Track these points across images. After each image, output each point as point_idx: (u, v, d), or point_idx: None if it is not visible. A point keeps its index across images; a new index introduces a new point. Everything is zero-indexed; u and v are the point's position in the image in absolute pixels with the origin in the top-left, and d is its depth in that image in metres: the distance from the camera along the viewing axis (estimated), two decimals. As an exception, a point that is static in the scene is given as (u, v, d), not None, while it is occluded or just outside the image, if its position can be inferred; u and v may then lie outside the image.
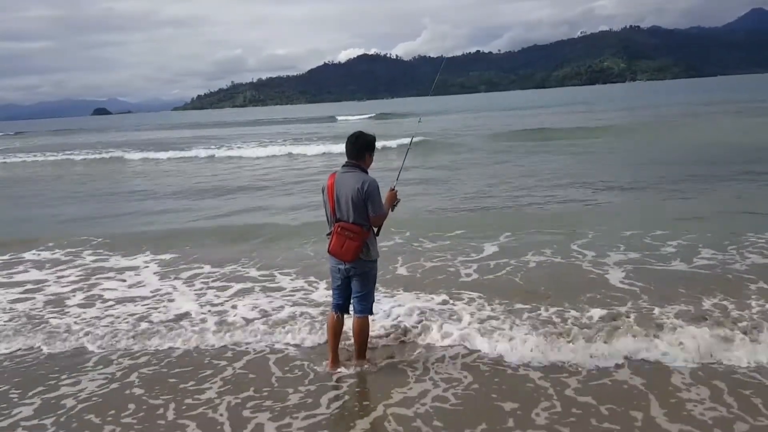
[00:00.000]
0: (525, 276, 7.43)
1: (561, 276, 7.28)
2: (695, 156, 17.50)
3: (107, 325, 6.45)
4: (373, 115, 71.87)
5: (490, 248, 8.68)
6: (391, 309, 6.53)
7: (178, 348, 5.80)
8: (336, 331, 5.08)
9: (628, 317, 5.78)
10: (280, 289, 7.46)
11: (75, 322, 6.60)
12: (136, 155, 31.62)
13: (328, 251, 4.84)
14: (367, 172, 4.84)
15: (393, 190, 5.02)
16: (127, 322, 6.50)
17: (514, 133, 29.88)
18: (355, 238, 4.68)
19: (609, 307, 6.08)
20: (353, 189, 4.66)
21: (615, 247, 8.23)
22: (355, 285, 4.92)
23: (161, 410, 4.60)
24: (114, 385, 5.07)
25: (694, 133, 24.52)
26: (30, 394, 4.99)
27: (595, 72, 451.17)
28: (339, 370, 5.07)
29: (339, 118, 68.17)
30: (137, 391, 4.93)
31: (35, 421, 4.55)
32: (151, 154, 31.13)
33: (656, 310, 5.91)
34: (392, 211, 5.02)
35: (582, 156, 19.60)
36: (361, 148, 4.81)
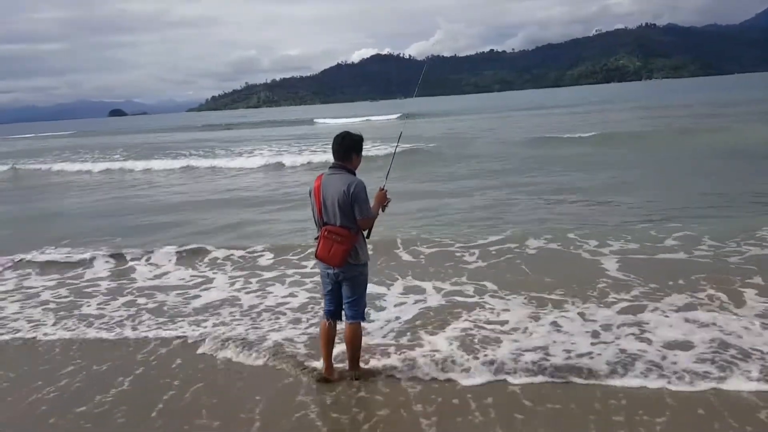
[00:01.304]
0: (531, 267, 7.54)
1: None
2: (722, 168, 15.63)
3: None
4: (398, 115, 64.38)
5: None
6: (390, 310, 6.39)
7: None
8: (328, 338, 4.85)
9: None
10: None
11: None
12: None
13: (315, 256, 4.63)
14: (354, 174, 4.63)
15: (383, 190, 4.80)
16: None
17: (525, 141, 26.13)
18: (343, 242, 4.47)
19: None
20: (339, 191, 4.45)
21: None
22: (345, 290, 4.70)
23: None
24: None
25: (715, 138, 21.88)
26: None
27: (610, 70, 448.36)
28: (333, 378, 4.87)
29: (373, 118, 61.82)
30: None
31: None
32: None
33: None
34: (383, 211, 4.80)
35: (596, 170, 16.35)
36: (347, 148, 4.61)
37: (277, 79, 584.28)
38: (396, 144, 5.82)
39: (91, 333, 6.41)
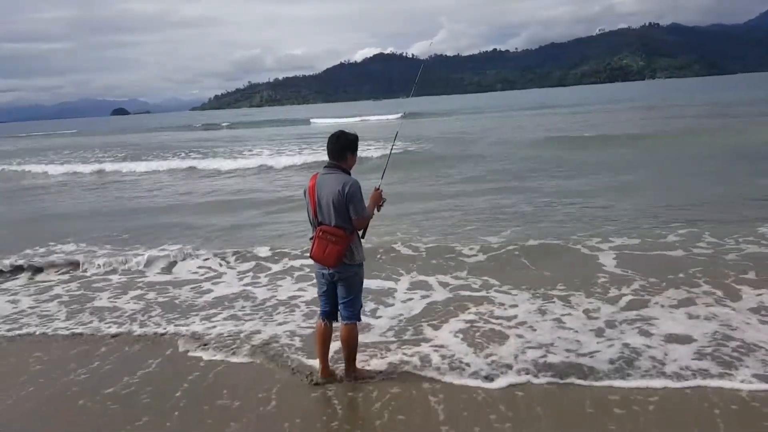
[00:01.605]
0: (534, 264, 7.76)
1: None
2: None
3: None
4: (400, 114, 59.02)
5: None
6: (397, 306, 6.54)
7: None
8: (324, 339, 4.87)
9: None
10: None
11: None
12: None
13: (310, 256, 4.66)
14: (349, 173, 4.65)
15: (378, 190, 4.85)
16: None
17: (528, 141, 25.03)
18: (338, 242, 4.50)
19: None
20: (334, 191, 4.47)
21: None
22: (341, 290, 4.73)
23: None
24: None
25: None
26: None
27: (614, 70, 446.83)
28: (327, 380, 4.89)
29: (372, 118, 59.55)
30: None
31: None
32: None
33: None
34: (378, 211, 4.85)
35: (598, 171, 15.95)
36: (342, 147, 4.63)
37: (280, 78, 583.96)
38: (392, 144, 5.82)
39: (108, 328, 6.60)
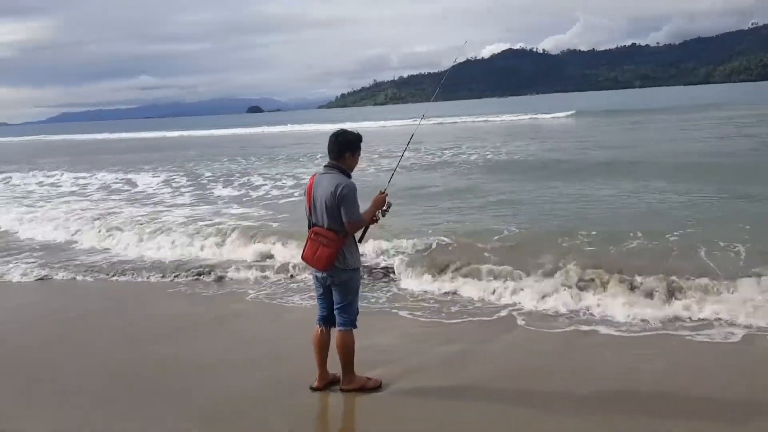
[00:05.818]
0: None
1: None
2: None
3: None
4: (572, 113, 54.50)
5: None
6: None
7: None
8: (321, 345, 4.73)
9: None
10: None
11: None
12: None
13: (302, 257, 4.52)
14: (348, 175, 4.44)
15: (383, 193, 4.54)
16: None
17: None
18: (330, 245, 4.29)
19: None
20: (327, 192, 4.31)
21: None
22: (335, 296, 4.55)
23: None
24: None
25: None
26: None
27: (767, 66, 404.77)
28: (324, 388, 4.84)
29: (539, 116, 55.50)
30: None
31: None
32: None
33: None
34: (383, 216, 4.53)
35: None
36: (341, 146, 4.43)
37: (405, 76, 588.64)
38: (406, 146, 5.51)
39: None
